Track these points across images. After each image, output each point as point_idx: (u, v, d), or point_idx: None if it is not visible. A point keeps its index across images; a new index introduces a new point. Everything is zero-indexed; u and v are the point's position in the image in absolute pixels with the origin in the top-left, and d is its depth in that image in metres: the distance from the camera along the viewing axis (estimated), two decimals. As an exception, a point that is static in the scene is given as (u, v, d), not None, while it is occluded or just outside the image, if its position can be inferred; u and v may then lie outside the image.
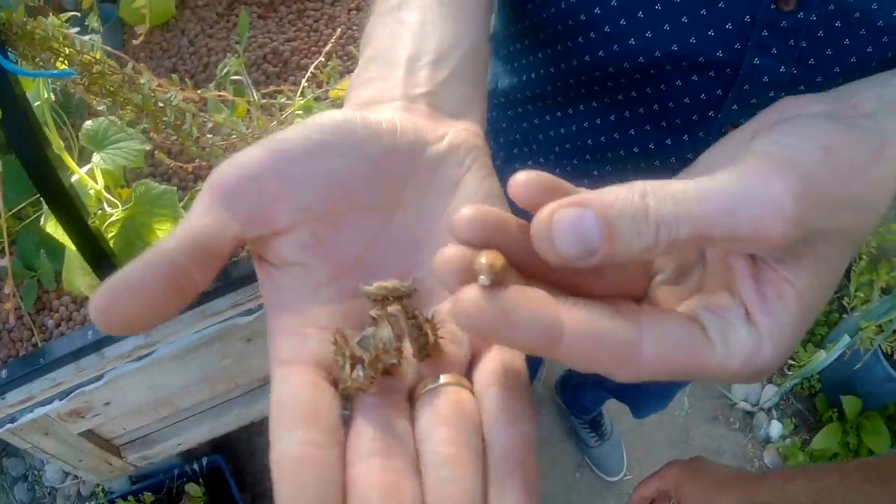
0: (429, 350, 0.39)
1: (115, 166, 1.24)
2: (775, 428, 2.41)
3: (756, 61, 0.62)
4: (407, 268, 0.43)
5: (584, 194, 0.35)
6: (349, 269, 0.42)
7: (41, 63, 0.94)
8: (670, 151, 0.73)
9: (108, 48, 0.99)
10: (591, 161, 0.80)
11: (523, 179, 0.37)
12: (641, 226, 0.34)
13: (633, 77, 0.68)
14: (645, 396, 1.79)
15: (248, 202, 0.39)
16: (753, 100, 0.64)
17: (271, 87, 1.48)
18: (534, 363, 1.75)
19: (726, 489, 0.98)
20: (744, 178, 0.35)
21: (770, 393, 2.44)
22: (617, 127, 0.75)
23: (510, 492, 0.33)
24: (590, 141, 0.78)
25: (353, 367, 0.37)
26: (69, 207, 1.08)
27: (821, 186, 0.36)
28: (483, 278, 0.33)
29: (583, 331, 0.33)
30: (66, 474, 2.34)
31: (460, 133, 0.46)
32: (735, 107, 0.66)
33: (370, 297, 0.39)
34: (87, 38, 0.95)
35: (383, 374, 0.38)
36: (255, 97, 1.30)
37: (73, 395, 1.42)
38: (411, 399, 0.38)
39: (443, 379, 0.38)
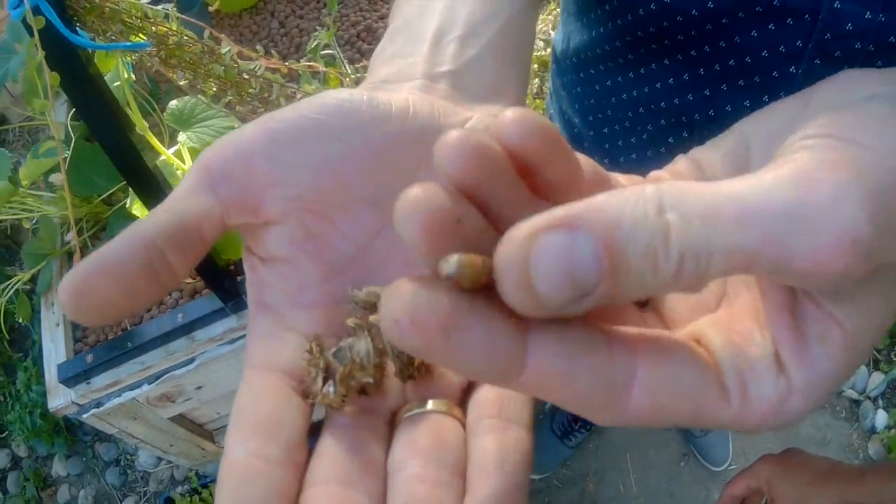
0: (413, 371, 0.34)
1: (202, 144, 1.23)
2: (881, 418, 2.30)
3: (836, 4, 0.55)
4: (408, 271, 0.37)
5: (572, 206, 0.24)
6: (341, 270, 0.37)
7: (113, 38, 0.91)
8: (748, 114, 0.66)
9: (184, 16, 0.96)
10: (667, 127, 0.75)
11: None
12: (659, 257, 0.24)
13: (705, 28, 0.63)
14: None
15: (235, 185, 0.35)
16: (837, 52, 0.57)
17: (364, 62, 1.45)
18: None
19: (822, 487, 0.91)
20: (802, 189, 0.25)
21: (877, 380, 2.32)
22: (691, 87, 0.69)
23: None
24: (663, 103, 0.73)
25: (325, 381, 0.33)
26: (153, 189, 1.07)
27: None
28: (449, 265, 0.24)
29: (549, 365, 0.25)
30: (160, 459, 2.37)
31: (484, 118, 0.40)
32: (817, 61, 0.59)
33: (358, 305, 0.35)
34: (160, 7, 0.93)
35: (359, 392, 0.34)
36: (348, 70, 1.26)
37: (162, 378, 1.42)
38: (392, 425, 0.34)
39: (430, 405, 0.33)
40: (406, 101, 0.38)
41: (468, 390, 0.35)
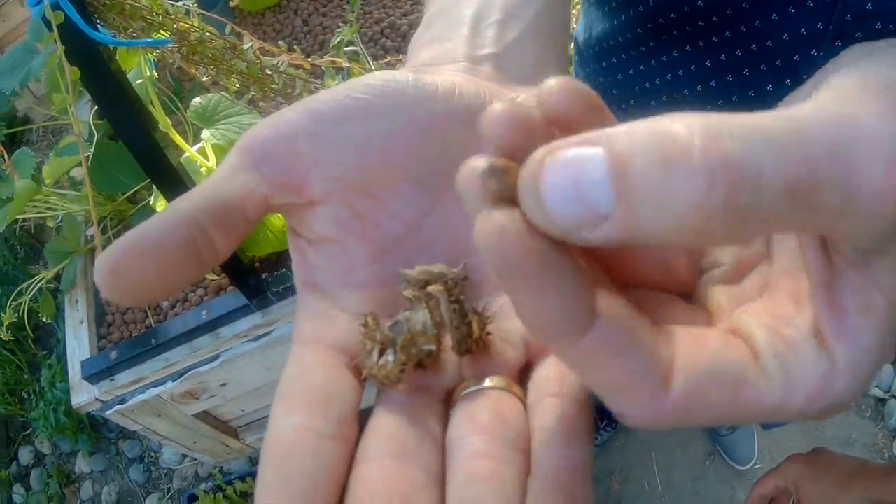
0: (471, 345, 0.32)
1: (226, 141, 1.22)
2: (905, 417, 2.28)
3: None
4: (457, 252, 0.37)
5: (598, 131, 0.22)
6: (389, 251, 0.36)
7: (134, 35, 0.91)
8: (772, 99, 0.65)
9: (206, 12, 0.96)
10: None
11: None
12: (680, 172, 0.20)
13: (726, 13, 0.62)
14: None
15: (279, 164, 0.34)
16: (858, 33, 0.56)
17: (388, 59, 1.45)
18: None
19: (849, 486, 0.90)
20: (851, 106, 0.23)
21: (902, 378, 2.31)
22: (714, 73, 0.68)
23: None
24: (686, 91, 0.72)
25: (381, 353, 0.31)
26: (177, 186, 1.07)
27: None
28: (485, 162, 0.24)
29: (610, 333, 0.23)
30: (184, 456, 2.38)
31: (531, 98, 0.38)
32: (838, 42, 0.57)
33: (410, 284, 0.34)
34: (180, 3, 0.92)
35: (417, 366, 0.32)
36: (372, 66, 1.26)
37: (186, 375, 1.42)
38: (448, 404, 0.32)
39: (488, 382, 0.32)
40: (451, 81, 0.37)
41: (525, 370, 0.33)
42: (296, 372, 0.32)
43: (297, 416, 0.29)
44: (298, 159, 0.34)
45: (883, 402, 2.31)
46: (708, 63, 0.67)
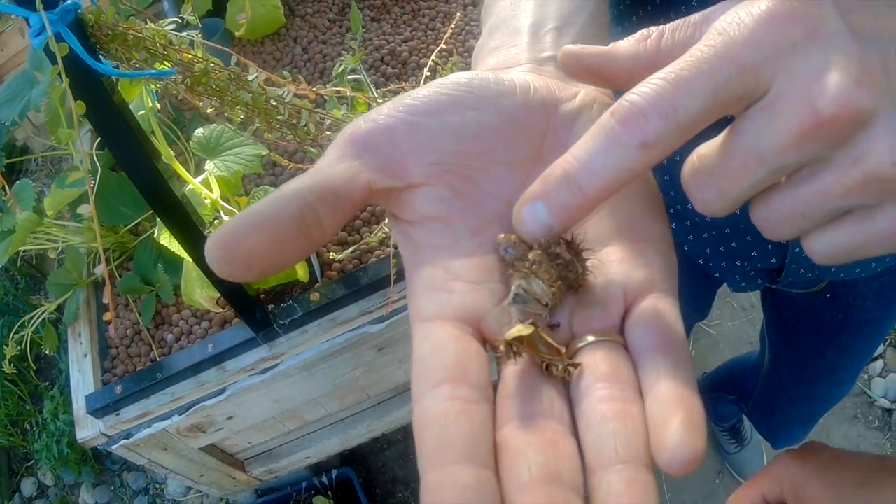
0: (580, 282, 0.38)
1: (229, 173, 1.20)
2: (915, 426, 2.27)
3: None
4: None
5: (535, 186, 0.36)
6: (490, 223, 0.40)
7: (137, 66, 0.89)
8: None
9: (209, 43, 0.94)
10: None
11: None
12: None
13: None
14: (784, 422, 1.67)
15: (380, 153, 0.38)
16: None
17: (391, 87, 1.44)
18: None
19: (882, 487, 0.71)
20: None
21: (909, 389, 2.30)
22: None
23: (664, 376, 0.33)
24: None
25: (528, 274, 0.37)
26: (181, 218, 1.05)
27: None
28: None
29: None
30: (189, 488, 2.34)
31: (591, 92, 0.44)
32: None
33: (509, 244, 0.38)
34: (184, 34, 0.90)
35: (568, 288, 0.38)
36: (376, 94, 1.24)
37: (193, 409, 1.40)
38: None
39: (593, 337, 0.36)
40: (525, 78, 0.42)
41: (624, 318, 0.38)
42: (427, 350, 0.35)
43: (443, 389, 0.32)
44: (398, 148, 0.39)
45: (890, 412, 2.32)
46: None
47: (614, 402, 0.32)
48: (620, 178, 0.34)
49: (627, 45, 0.41)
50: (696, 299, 1.19)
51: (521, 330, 0.34)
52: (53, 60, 0.82)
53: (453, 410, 0.31)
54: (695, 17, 0.39)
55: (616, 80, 0.41)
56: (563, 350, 0.36)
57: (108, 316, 1.07)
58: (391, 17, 1.74)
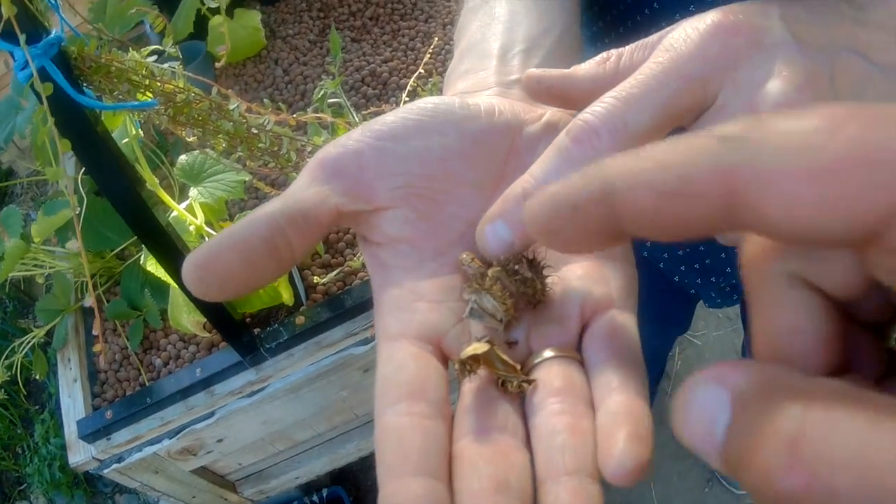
0: (539, 297, 0.39)
1: (213, 199, 1.21)
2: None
3: None
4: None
5: (496, 206, 0.39)
6: (454, 244, 0.42)
7: (120, 97, 0.90)
8: None
9: (191, 74, 0.95)
10: None
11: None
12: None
13: None
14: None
15: (348, 177, 0.40)
16: None
17: (371, 109, 1.45)
18: (654, 378, 1.67)
19: None
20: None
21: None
22: None
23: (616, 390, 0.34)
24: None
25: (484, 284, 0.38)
26: (166, 245, 1.06)
27: None
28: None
29: None
30: (182, 511, 2.34)
31: (556, 113, 0.45)
32: None
33: (470, 263, 0.40)
34: (166, 65, 0.92)
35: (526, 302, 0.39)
36: (356, 119, 1.25)
37: (183, 433, 1.41)
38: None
39: (551, 352, 0.37)
40: (490, 102, 0.44)
41: (583, 333, 0.38)
42: (390, 369, 0.36)
43: (401, 405, 0.33)
44: (365, 172, 0.40)
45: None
46: None
47: (565, 415, 0.33)
48: None
49: (587, 67, 0.43)
50: (674, 314, 1.20)
51: (476, 348, 0.36)
52: (40, 99, 0.83)
53: (410, 426, 0.32)
54: (652, 37, 0.41)
55: (577, 102, 0.43)
56: (519, 367, 0.37)
57: (97, 347, 1.08)
58: (371, 37, 1.76)
